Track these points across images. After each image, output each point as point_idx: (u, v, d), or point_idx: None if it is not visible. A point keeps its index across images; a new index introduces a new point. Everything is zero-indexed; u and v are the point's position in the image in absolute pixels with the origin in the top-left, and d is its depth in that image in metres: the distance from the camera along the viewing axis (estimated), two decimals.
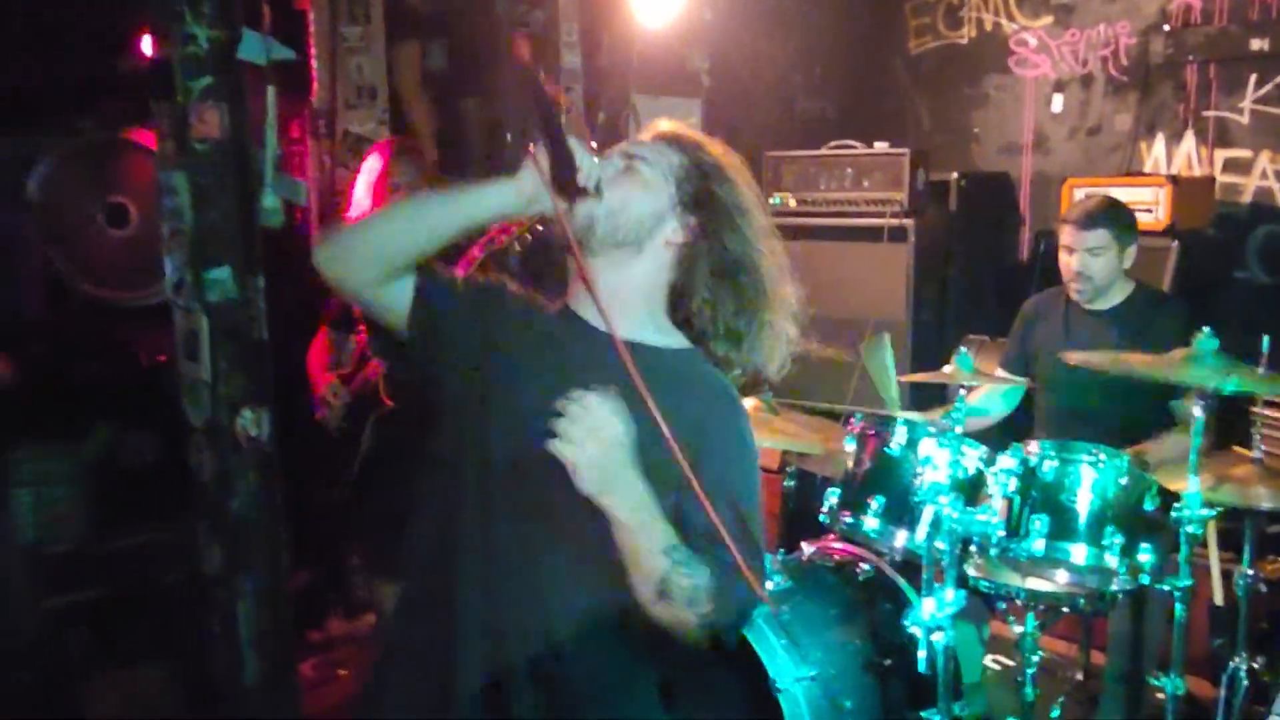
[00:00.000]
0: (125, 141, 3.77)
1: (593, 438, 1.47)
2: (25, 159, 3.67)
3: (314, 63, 4.04)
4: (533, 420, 1.54)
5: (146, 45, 3.60)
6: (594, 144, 4.58)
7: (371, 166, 3.35)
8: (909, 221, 4.70)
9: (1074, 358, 2.88)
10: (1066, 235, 3.35)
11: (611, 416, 1.50)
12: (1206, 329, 2.66)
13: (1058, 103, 5.24)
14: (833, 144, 5.02)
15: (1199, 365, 2.57)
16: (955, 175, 5.03)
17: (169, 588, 3.77)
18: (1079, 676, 3.56)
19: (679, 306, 1.78)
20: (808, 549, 3.30)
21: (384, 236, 1.70)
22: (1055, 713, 3.26)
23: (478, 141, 4.56)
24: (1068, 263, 3.37)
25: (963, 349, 3.05)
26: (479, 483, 1.67)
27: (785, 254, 1.83)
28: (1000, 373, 3.58)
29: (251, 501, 2.47)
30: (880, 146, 4.86)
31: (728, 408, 1.74)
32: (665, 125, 1.86)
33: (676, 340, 1.77)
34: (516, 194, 1.66)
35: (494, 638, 1.64)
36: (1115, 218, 3.30)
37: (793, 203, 4.97)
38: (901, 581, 3.13)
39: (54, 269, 3.73)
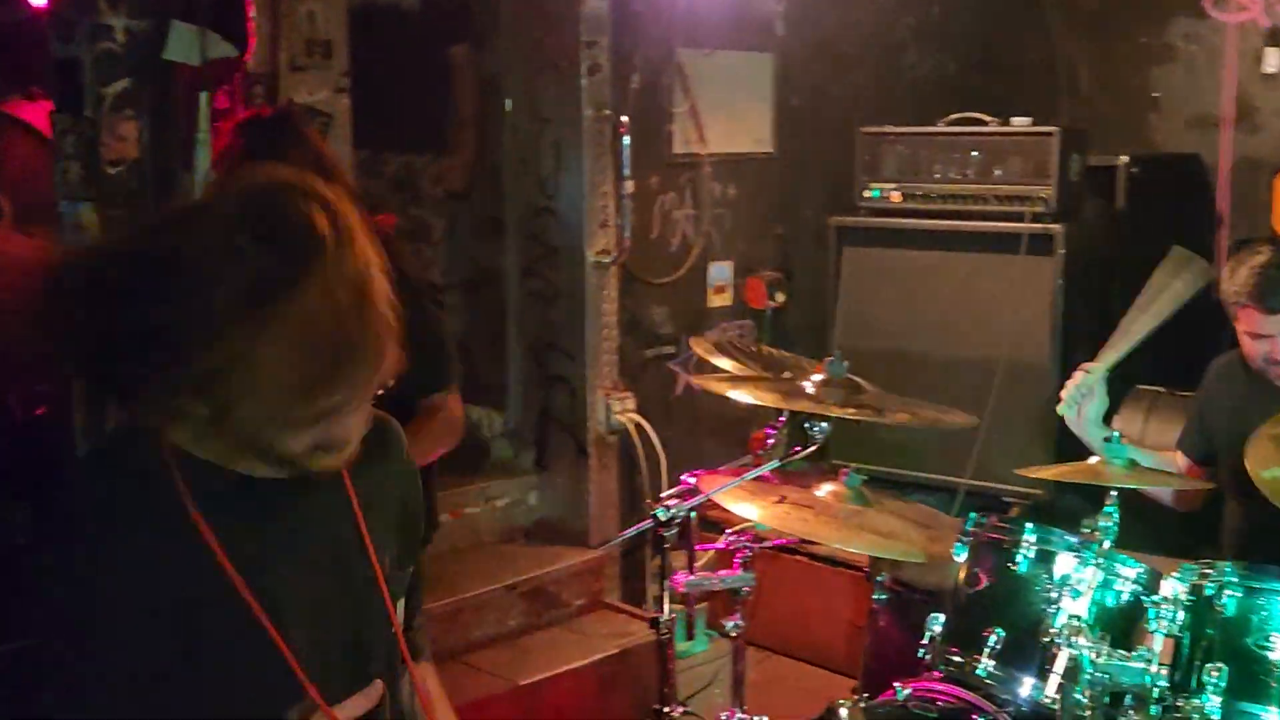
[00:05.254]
0: None
1: None
2: None
3: (250, 10, 4.06)
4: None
5: None
6: (625, 119, 4.61)
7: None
8: (1056, 227, 4.81)
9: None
10: (1249, 321, 3.51)
11: None
12: None
13: (1271, 59, 5.20)
14: (953, 116, 5.03)
15: None
16: (1124, 159, 5.08)
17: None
18: None
19: None
20: (903, 692, 3.37)
21: None
22: None
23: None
24: (1257, 347, 3.52)
25: (1115, 433, 3.13)
26: None
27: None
28: (1178, 454, 3.69)
29: None
30: (1020, 122, 4.92)
31: None
32: None
33: None
34: None
35: None
36: None
37: (896, 197, 4.96)
38: None
39: None
